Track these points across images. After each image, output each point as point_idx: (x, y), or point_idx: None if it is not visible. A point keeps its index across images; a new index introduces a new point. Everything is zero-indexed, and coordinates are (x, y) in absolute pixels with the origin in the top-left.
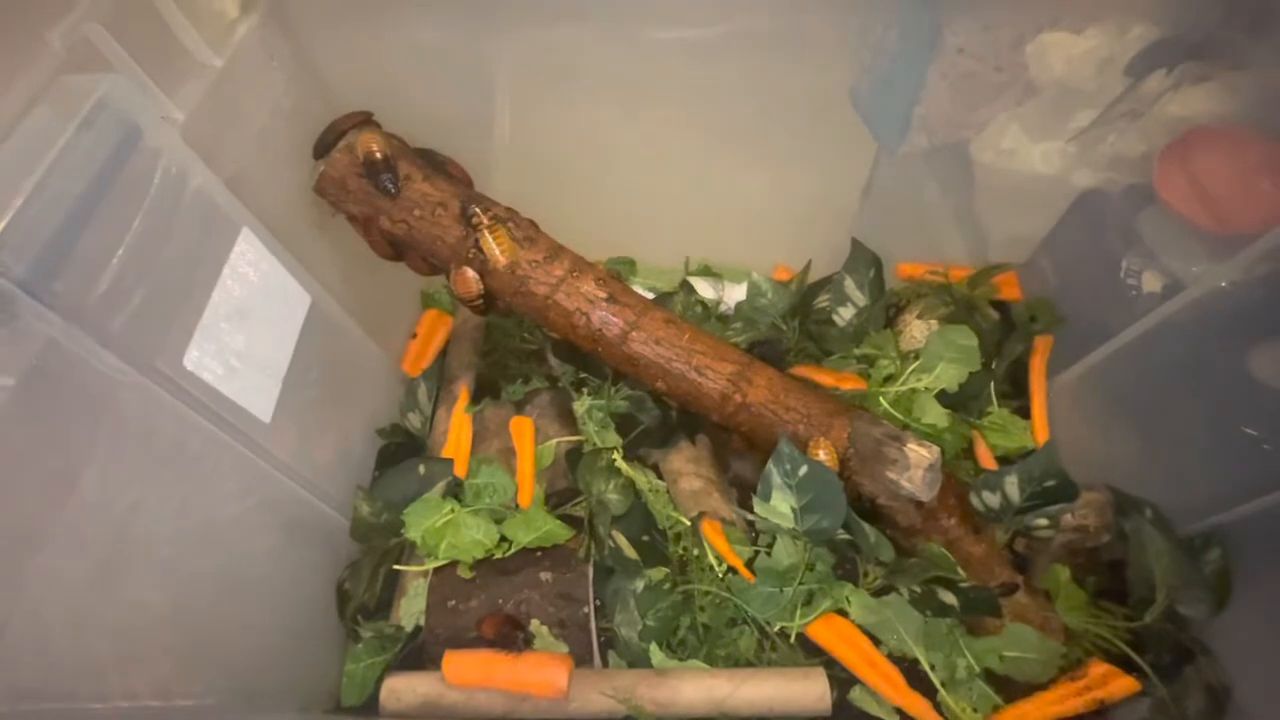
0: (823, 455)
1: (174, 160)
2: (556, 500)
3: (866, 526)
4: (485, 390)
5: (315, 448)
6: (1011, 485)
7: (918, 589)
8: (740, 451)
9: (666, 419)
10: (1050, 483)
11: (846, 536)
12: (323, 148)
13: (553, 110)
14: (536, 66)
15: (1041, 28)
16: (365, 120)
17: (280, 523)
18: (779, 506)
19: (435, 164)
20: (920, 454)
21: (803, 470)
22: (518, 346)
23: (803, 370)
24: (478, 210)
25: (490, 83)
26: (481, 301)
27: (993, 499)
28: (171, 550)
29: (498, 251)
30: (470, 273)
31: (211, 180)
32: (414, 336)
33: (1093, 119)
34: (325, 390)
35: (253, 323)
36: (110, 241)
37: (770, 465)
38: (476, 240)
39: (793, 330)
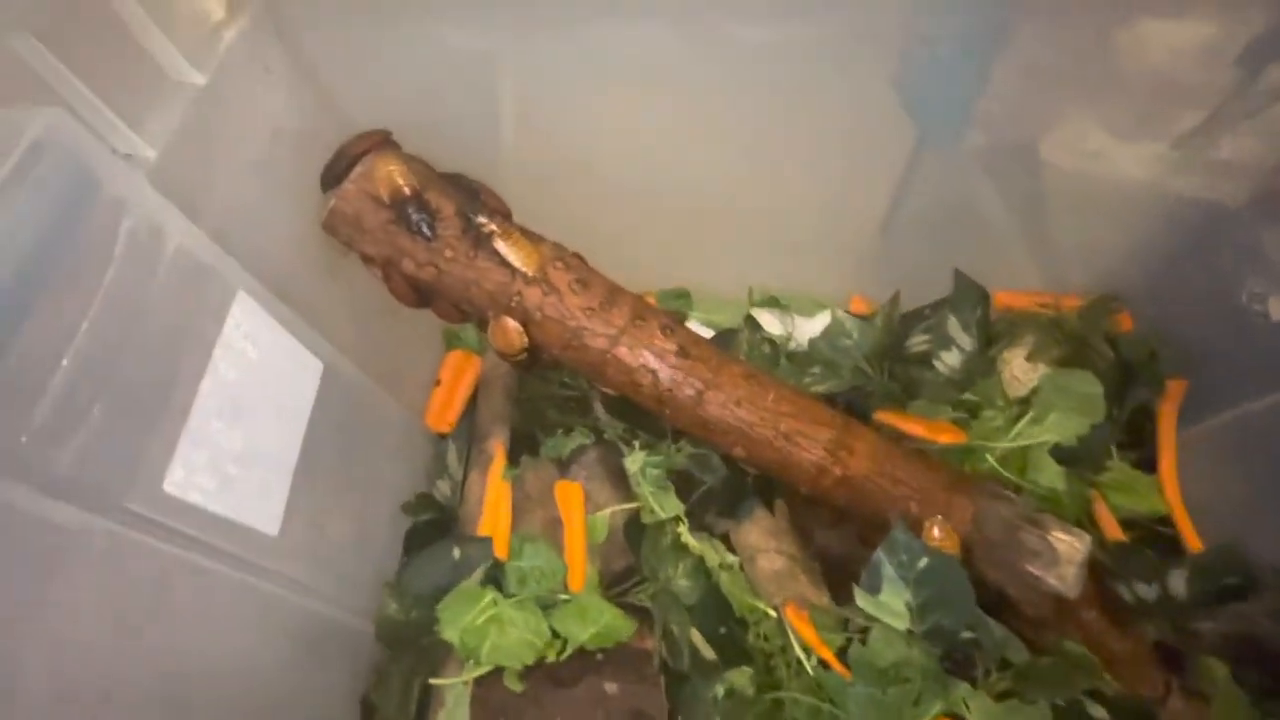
0: (937, 535)
1: (143, 216)
2: (614, 582)
3: (993, 623)
4: (521, 445)
5: (333, 549)
6: (1178, 580)
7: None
8: (826, 519)
9: (735, 479)
10: (1231, 580)
11: (968, 634)
12: (332, 177)
13: (589, 122)
14: (573, 71)
15: (1136, 13)
16: (383, 141)
17: (293, 647)
18: (891, 603)
19: (467, 192)
20: (1071, 547)
21: (923, 562)
22: (557, 393)
23: (887, 417)
24: (482, 218)
25: (523, 91)
26: (525, 356)
27: (1148, 591)
28: (162, 708)
29: (521, 259)
30: (512, 324)
31: (194, 235)
32: (438, 384)
33: (1202, 119)
34: (343, 473)
35: (253, 412)
36: (54, 343)
37: (881, 555)
38: (490, 250)
39: (881, 375)
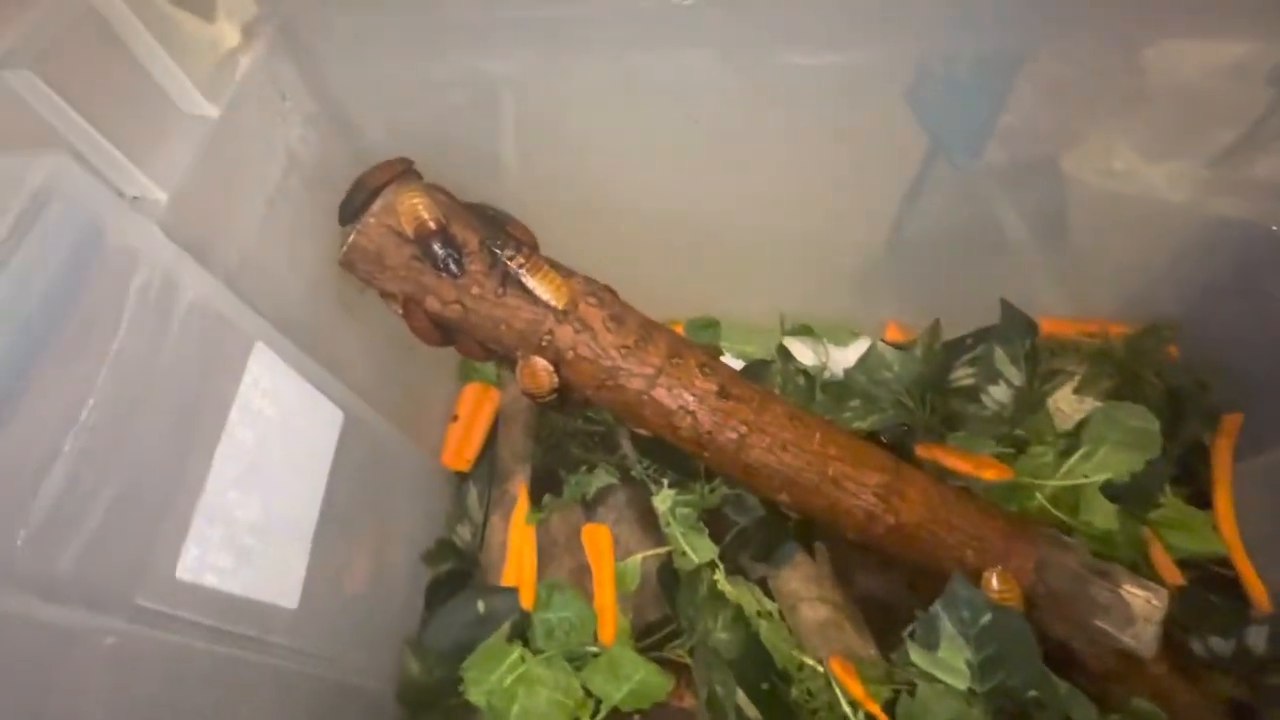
0: (997, 586)
1: (156, 269)
2: (647, 633)
3: (1058, 681)
4: (543, 483)
5: (353, 612)
6: (1258, 637)
7: None
8: (869, 562)
9: (773, 521)
10: None
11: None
12: (351, 210)
13: (615, 149)
14: (601, 99)
15: (1163, 30)
16: (405, 171)
17: None
18: (950, 660)
19: (492, 223)
20: (1148, 604)
21: (985, 619)
22: (580, 428)
23: (928, 451)
24: (509, 252)
25: (549, 118)
26: (555, 396)
27: (1223, 646)
28: None
29: (551, 293)
30: (542, 364)
31: (209, 285)
32: (454, 419)
33: (1237, 137)
34: (363, 526)
35: (271, 475)
36: (55, 424)
37: (939, 609)
38: (519, 286)
39: (923, 408)
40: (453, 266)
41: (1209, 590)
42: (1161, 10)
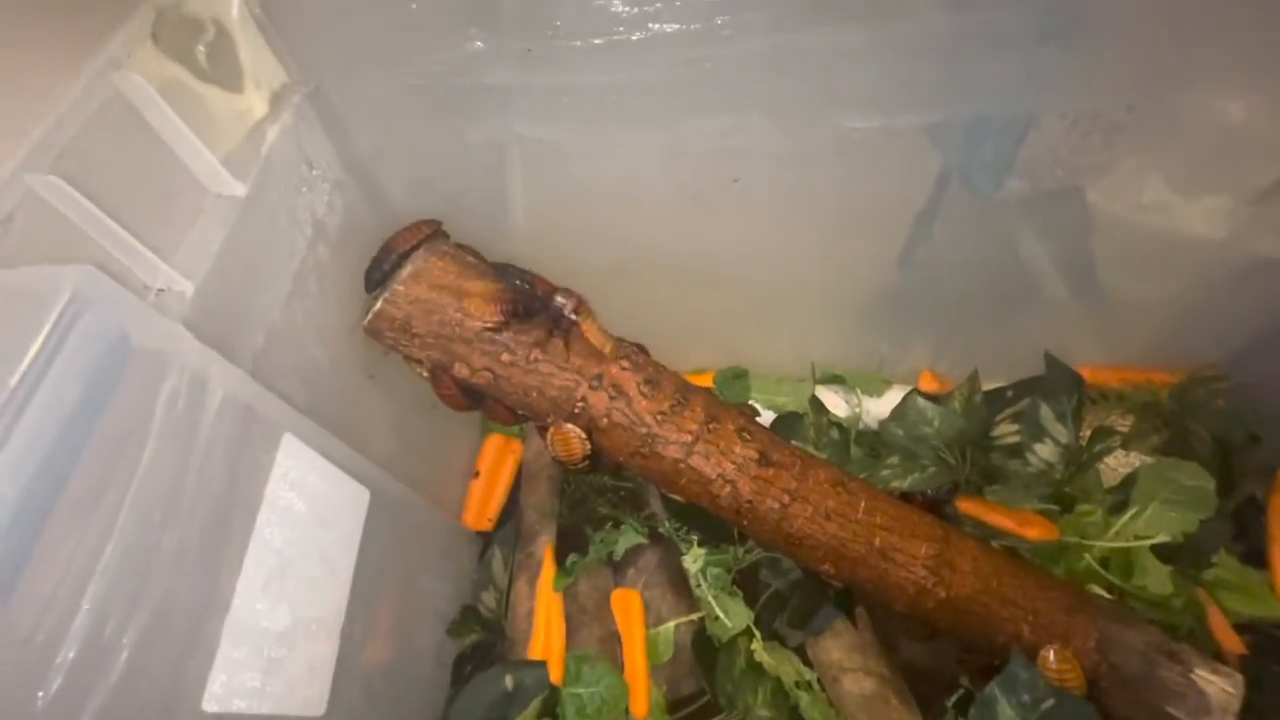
0: (1054, 663)
1: (185, 372)
2: (680, 706)
3: None
4: (568, 541)
5: (380, 703)
6: None
7: None
8: (913, 630)
9: (811, 586)
10: None
11: None
12: (378, 276)
13: (646, 205)
14: (635, 160)
15: (1196, 65)
16: (433, 234)
17: None
18: None
19: (520, 281)
20: (1223, 692)
21: (1048, 704)
22: (607, 483)
23: (970, 507)
24: (560, 299)
25: (579, 178)
26: (588, 464)
27: None
28: None
29: (600, 341)
30: (575, 431)
31: (238, 380)
32: (476, 475)
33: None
34: (388, 607)
35: (299, 575)
36: (76, 572)
37: (997, 692)
38: (563, 338)
39: (965, 465)
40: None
41: (1270, 659)
42: (1200, 52)
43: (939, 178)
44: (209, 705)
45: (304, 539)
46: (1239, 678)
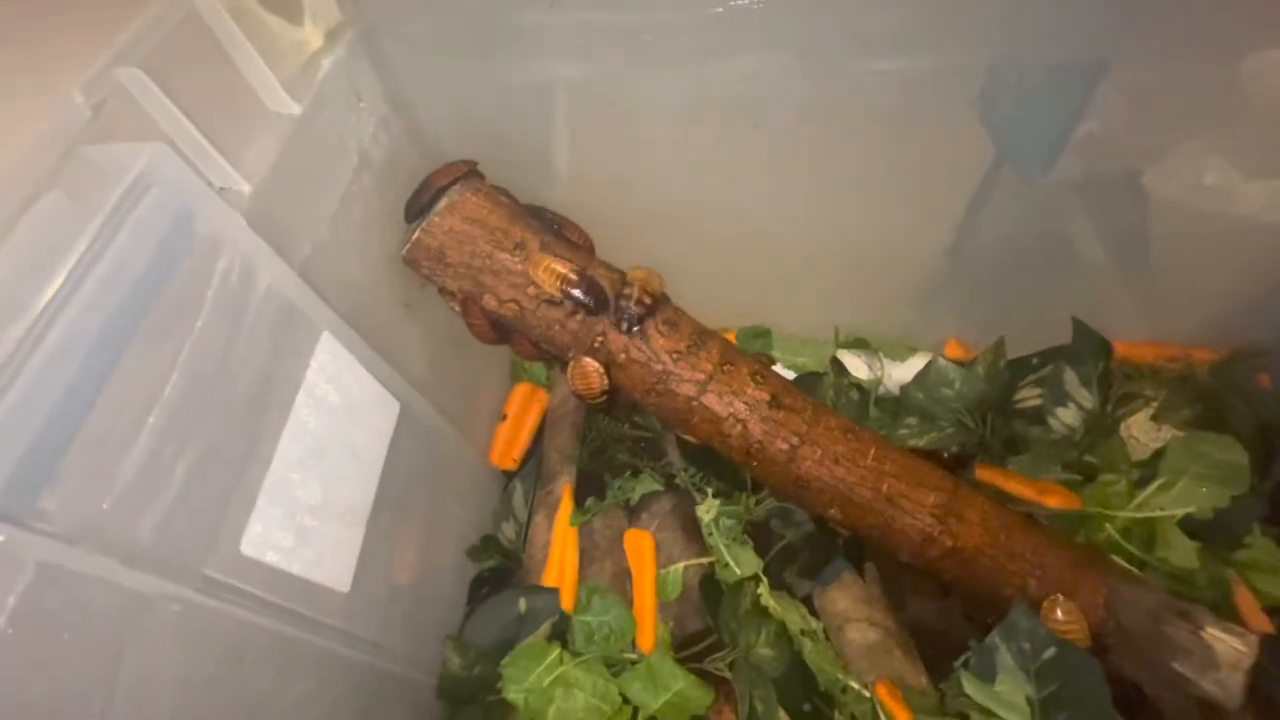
0: (1061, 617)
1: (237, 255)
2: (687, 644)
3: None
4: (587, 487)
5: (400, 601)
6: None
7: None
8: (923, 587)
9: (822, 537)
10: None
11: None
12: (417, 208)
13: (675, 157)
14: (667, 107)
15: (1262, 40)
16: (469, 172)
17: (358, 706)
18: (1009, 695)
19: (550, 226)
20: (1233, 649)
21: (1049, 653)
22: (627, 433)
23: (986, 473)
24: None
25: (612, 124)
26: (605, 399)
27: None
28: None
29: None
30: (593, 365)
31: (284, 274)
32: (503, 419)
33: None
34: (413, 517)
35: (331, 459)
36: (141, 400)
37: (998, 639)
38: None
39: (983, 429)
40: (593, 306)
41: None
42: (1265, 16)
43: (981, 150)
44: (247, 549)
45: (337, 429)
46: (1253, 637)
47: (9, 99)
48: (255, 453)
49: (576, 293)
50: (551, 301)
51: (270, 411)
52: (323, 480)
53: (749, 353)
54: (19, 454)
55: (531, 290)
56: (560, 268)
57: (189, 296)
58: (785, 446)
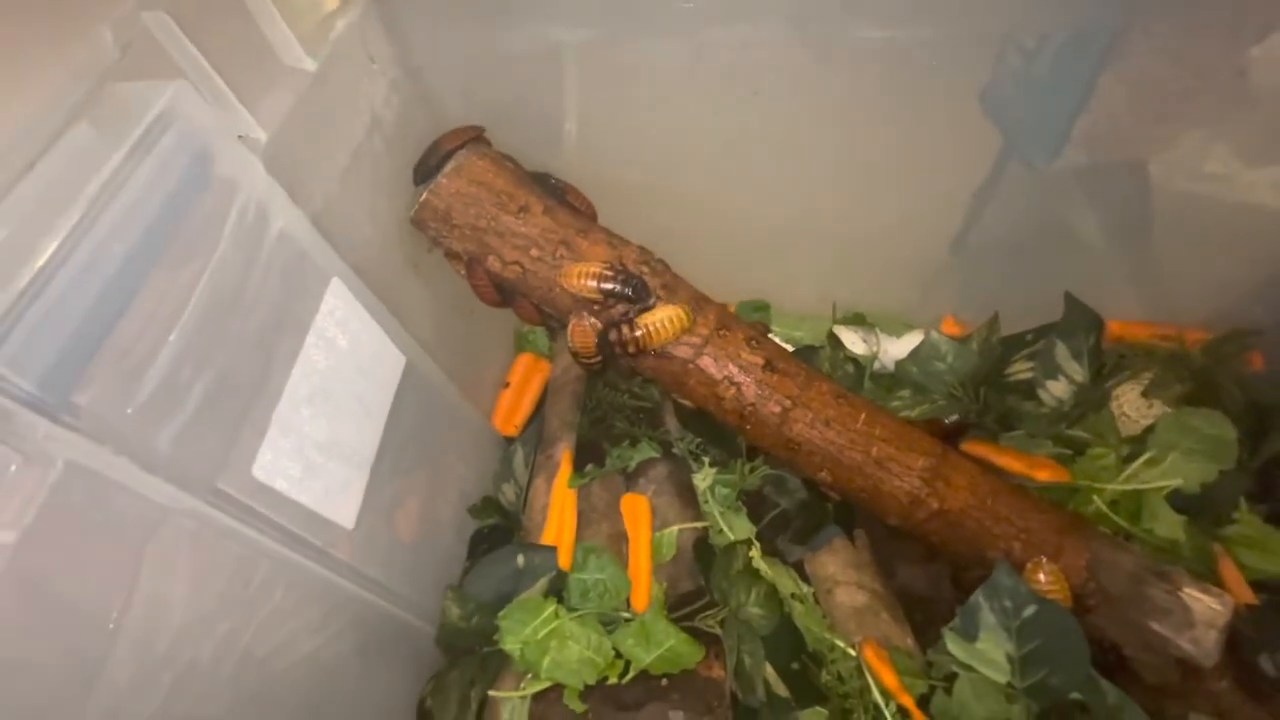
0: (1043, 579)
1: (253, 196)
2: (680, 604)
3: (1107, 686)
4: (587, 454)
5: (402, 547)
6: None
7: None
8: (911, 554)
9: (814, 504)
10: None
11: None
12: (425, 171)
13: (678, 126)
14: (669, 74)
15: (1269, 25)
16: (476, 138)
17: (359, 643)
18: (989, 652)
19: (553, 192)
20: (1209, 609)
21: (1029, 611)
22: (626, 403)
23: (976, 448)
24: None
25: (616, 92)
26: (600, 359)
27: None
28: (230, 697)
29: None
30: (592, 323)
31: (297, 219)
32: (506, 386)
33: None
34: (416, 470)
35: (339, 401)
36: (162, 319)
37: (980, 598)
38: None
39: (976, 402)
40: (631, 294)
41: None
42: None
43: (984, 131)
44: (258, 473)
45: (344, 373)
46: (1229, 598)
47: (44, 33)
48: (267, 384)
49: (612, 286)
50: (595, 304)
51: (282, 347)
52: (330, 420)
53: (746, 320)
54: (55, 350)
55: (534, 252)
56: (590, 268)
57: (207, 231)
58: (778, 409)
